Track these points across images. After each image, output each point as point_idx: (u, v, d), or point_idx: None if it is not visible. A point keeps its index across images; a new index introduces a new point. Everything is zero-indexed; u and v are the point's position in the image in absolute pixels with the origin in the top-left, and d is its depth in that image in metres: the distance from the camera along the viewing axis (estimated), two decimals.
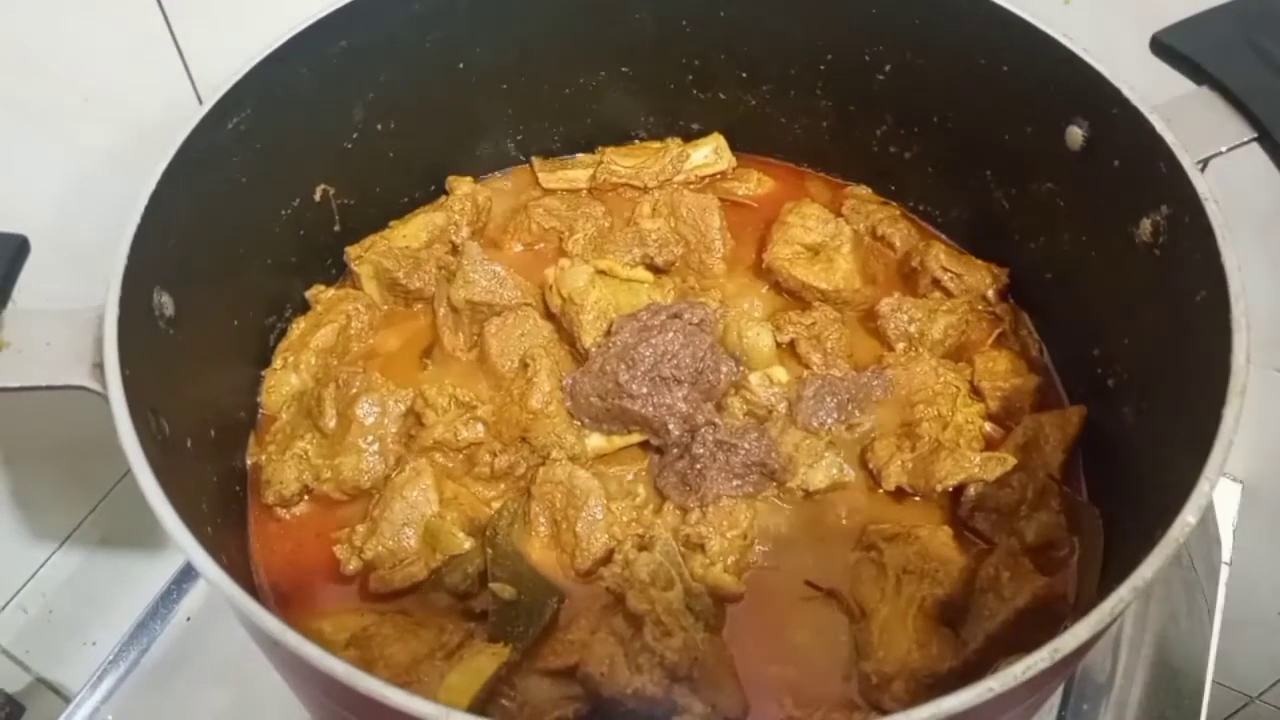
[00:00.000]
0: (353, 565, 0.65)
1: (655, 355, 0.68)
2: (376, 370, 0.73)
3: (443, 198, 0.83)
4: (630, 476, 0.70)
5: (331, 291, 0.78)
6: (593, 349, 0.71)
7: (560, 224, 0.82)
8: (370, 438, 0.68)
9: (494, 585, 0.63)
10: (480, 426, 0.70)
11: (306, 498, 0.69)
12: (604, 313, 0.72)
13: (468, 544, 0.65)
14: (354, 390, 0.69)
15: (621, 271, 0.76)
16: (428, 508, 0.66)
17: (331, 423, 0.69)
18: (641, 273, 0.77)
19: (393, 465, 0.68)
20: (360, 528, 0.66)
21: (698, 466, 0.67)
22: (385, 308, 0.79)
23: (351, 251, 0.78)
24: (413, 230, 0.80)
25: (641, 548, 0.64)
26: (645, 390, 0.68)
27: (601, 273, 0.75)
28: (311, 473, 0.68)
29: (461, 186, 0.83)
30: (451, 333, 0.76)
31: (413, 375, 0.75)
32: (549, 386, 0.70)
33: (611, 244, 0.79)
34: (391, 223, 0.81)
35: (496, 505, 0.68)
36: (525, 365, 0.72)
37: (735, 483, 0.67)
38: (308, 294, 0.78)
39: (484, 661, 0.58)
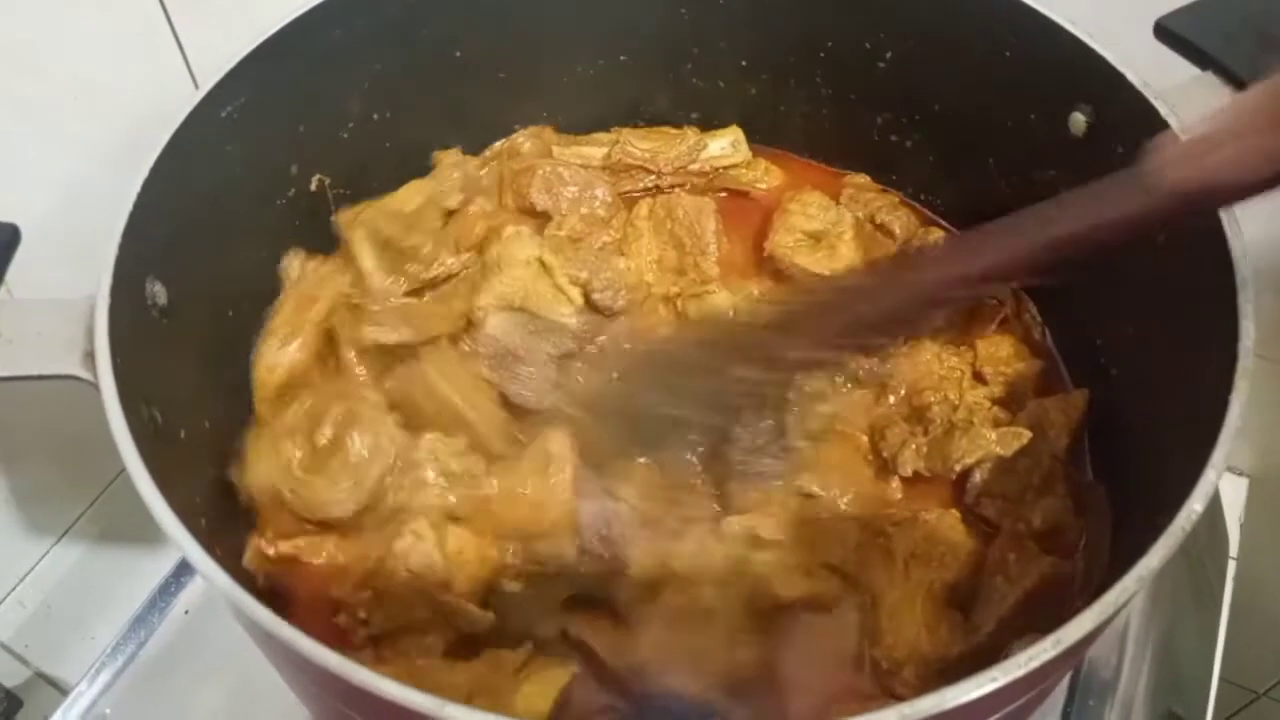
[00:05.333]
0: (360, 636, 0.61)
1: None
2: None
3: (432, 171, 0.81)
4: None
5: (315, 261, 0.74)
6: (482, 319, 0.68)
7: (552, 208, 0.79)
8: (350, 475, 0.64)
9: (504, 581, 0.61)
10: (475, 505, 0.64)
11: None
12: (512, 294, 0.70)
13: (486, 618, 0.60)
14: (358, 418, 0.65)
15: (559, 278, 0.73)
16: (433, 575, 0.60)
17: (324, 441, 0.65)
18: (574, 293, 0.73)
19: (352, 510, 0.64)
20: (364, 596, 0.61)
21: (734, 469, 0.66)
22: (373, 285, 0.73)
23: (343, 217, 0.75)
24: (404, 196, 0.77)
25: (681, 542, 0.63)
26: None
27: (541, 262, 0.72)
28: (288, 482, 0.64)
29: (448, 158, 0.81)
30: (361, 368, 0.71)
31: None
32: (570, 507, 0.63)
33: (577, 250, 0.76)
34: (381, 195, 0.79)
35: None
36: (548, 463, 0.64)
37: (765, 476, 0.66)
38: (282, 262, 0.73)
39: (557, 672, 0.57)
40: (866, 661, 0.60)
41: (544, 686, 0.55)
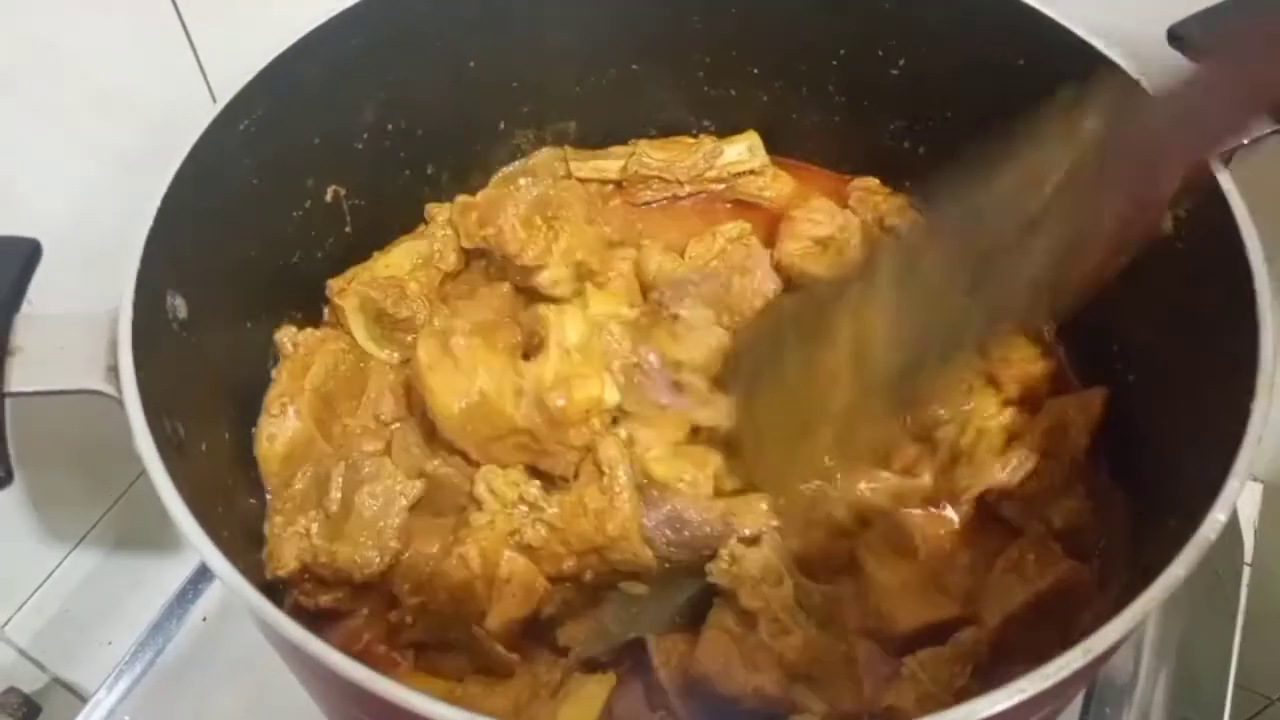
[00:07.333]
0: (406, 636, 0.62)
1: None
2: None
3: (421, 226, 0.80)
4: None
5: (306, 333, 0.72)
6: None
7: (596, 264, 0.74)
8: (368, 532, 0.63)
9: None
10: (544, 529, 0.63)
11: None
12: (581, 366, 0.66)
13: (512, 661, 0.60)
14: (363, 473, 0.65)
15: (623, 309, 0.72)
16: (473, 603, 0.61)
17: (334, 506, 0.64)
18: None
19: (388, 562, 0.63)
20: (415, 602, 0.62)
21: None
22: (370, 352, 0.73)
23: (334, 284, 0.74)
24: (396, 259, 0.76)
25: (749, 543, 0.63)
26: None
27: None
28: (311, 554, 0.63)
29: (440, 214, 0.80)
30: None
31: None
32: (630, 510, 0.62)
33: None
34: (374, 253, 0.78)
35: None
36: (601, 471, 0.63)
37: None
38: (276, 337, 0.71)
39: (595, 689, 0.57)
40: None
41: (583, 707, 0.55)
